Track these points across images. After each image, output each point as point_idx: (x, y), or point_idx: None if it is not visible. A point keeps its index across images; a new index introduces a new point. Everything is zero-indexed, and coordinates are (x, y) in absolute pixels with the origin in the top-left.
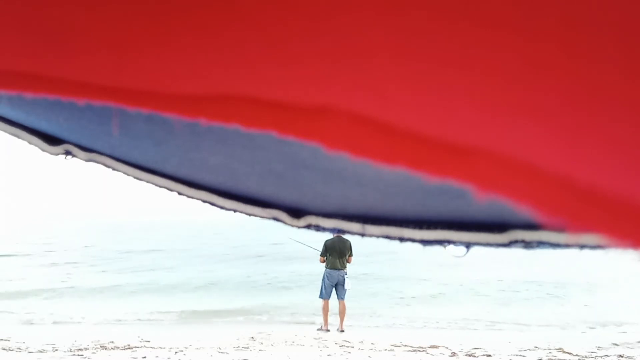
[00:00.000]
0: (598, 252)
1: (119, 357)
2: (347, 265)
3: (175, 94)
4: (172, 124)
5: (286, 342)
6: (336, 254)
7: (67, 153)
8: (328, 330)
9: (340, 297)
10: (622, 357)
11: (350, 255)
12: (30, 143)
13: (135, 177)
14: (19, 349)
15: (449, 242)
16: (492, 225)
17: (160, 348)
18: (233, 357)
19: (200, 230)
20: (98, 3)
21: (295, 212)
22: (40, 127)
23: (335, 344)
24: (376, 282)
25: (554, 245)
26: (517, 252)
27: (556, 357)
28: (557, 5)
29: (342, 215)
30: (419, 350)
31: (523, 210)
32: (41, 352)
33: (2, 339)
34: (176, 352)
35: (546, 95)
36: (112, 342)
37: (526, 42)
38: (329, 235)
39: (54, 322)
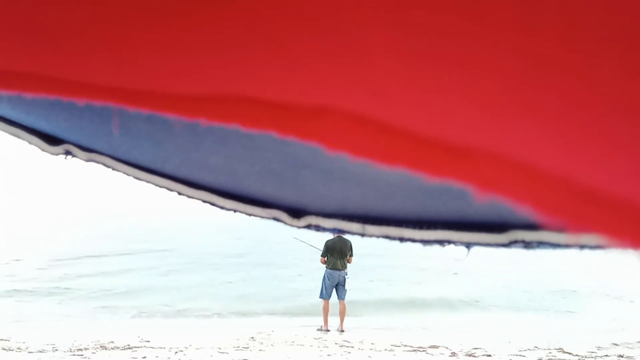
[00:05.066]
0: (598, 252)
1: (119, 357)
2: (348, 265)
3: (175, 94)
4: (172, 124)
5: (286, 342)
6: (337, 254)
7: (67, 153)
8: (328, 330)
9: (341, 297)
10: (622, 357)
11: (351, 255)
12: (30, 143)
13: (135, 177)
14: (19, 349)
15: (449, 242)
16: (492, 226)
17: (160, 348)
18: (233, 357)
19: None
20: (98, 3)
21: (295, 212)
22: (40, 127)
23: (335, 344)
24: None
25: (554, 246)
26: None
27: (556, 357)
28: (557, 3)
29: (342, 216)
30: (419, 350)
31: (523, 211)
32: (41, 352)
33: (2, 339)
34: (176, 352)
35: (546, 95)
36: (112, 342)
37: (526, 41)
38: (329, 236)
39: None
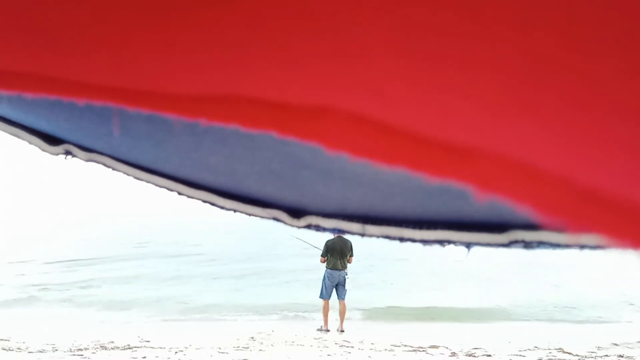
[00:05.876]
0: (598, 252)
1: (119, 357)
2: (348, 265)
3: (175, 94)
4: (172, 124)
5: (286, 342)
6: (337, 254)
7: (67, 153)
8: (328, 330)
9: (341, 297)
10: (622, 357)
11: (351, 255)
12: (30, 143)
13: (135, 177)
14: (19, 349)
15: (449, 242)
16: (492, 226)
17: (160, 348)
18: (233, 357)
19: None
20: (98, 3)
21: (295, 212)
22: (40, 127)
23: (335, 344)
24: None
25: (554, 246)
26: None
27: (556, 357)
28: (558, 3)
29: (342, 216)
30: (419, 350)
31: (523, 211)
32: (41, 352)
33: (2, 339)
34: (176, 352)
35: (546, 95)
36: (112, 342)
37: (526, 41)
38: (329, 236)
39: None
